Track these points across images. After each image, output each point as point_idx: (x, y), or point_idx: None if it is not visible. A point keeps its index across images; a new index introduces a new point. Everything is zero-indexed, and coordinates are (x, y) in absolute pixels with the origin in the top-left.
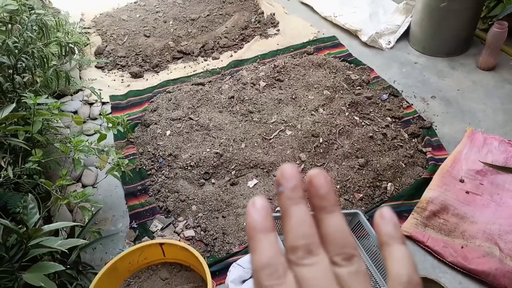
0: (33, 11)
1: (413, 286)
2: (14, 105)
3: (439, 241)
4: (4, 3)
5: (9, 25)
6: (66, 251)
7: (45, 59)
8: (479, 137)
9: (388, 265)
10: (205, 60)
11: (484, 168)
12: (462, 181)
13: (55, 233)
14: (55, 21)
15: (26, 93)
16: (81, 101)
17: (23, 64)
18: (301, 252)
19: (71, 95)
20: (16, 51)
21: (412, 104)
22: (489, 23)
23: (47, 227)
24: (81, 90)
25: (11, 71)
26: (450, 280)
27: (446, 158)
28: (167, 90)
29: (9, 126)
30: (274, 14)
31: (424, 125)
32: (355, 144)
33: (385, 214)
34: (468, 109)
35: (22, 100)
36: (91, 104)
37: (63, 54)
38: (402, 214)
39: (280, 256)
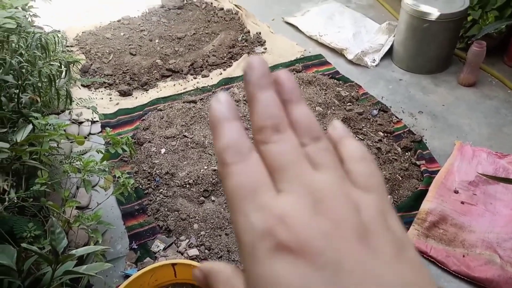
0: (30, 30)
1: (368, 161)
2: (31, 126)
3: (441, 251)
4: (2, 22)
5: (6, 44)
6: (95, 274)
7: (51, 78)
8: (468, 149)
9: (340, 153)
10: (195, 78)
11: (476, 179)
12: (456, 192)
13: None
14: (51, 39)
15: (31, 113)
16: (69, 120)
17: (28, 83)
18: (269, 131)
19: (58, 113)
20: (24, 70)
21: (402, 119)
22: (468, 42)
23: (75, 252)
24: (67, 108)
25: (17, 90)
26: None
27: (439, 170)
28: (158, 108)
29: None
30: (260, 33)
31: (415, 139)
32: None
33: (336, 124)
34: (454, 123)
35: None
36: (80, 123)
37: (64, 72)
38: None
39: (246, 138)
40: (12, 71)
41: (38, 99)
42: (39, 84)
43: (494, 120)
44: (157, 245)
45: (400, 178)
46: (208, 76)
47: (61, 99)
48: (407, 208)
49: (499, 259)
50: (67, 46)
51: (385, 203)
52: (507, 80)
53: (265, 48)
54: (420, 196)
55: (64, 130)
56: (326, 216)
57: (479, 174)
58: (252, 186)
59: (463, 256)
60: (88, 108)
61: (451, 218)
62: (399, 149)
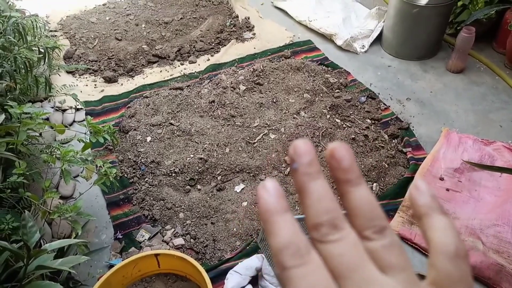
0: (7, 14)
1: (461, 258)
2: (3, 115)
3: None
4: None
5: None
6: (69, 269)
7: (27, 64)
8: (454, 136)
9: (430, 236)
10: (182, 64)
11: (461, 166)
12: (442, 179)
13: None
14: (29, 24)
15: (6, 101)
16: (52, 107)
17: (4, 70)
18: (325, 229)
19: (41, 101)
20: None
21: (389, 106)
22: (457, 28)
23: (48, 246)
24: (51, 96)
25: None
26: None
27: (425, 157)
28: (144, 95)
29: None
30: (249, 18)
31: (402, 126)
32: None
33: (420, 186)
34: (442, 110)
35: (5, 108)
36: (64, 110)
37: (43, 58)
38: (388, 213)
39: (301, 234)
40: None
41: (15, 87)
42: (14, 71)
43: (481, 106)
44: (142, 234)
45: (387, 166)
46: (195, 62)
47: (40, 86)
48: (393, 195)
49: (482, 245)
50: (51, 31)
51: None
52: (495, 66)
53: (254, 34)
54: (406, 183)
55: (47, 119)
56: None
57: (464, 161)
58: None
59: None
60: (70, 95)
61: None
62: (386, 136)
